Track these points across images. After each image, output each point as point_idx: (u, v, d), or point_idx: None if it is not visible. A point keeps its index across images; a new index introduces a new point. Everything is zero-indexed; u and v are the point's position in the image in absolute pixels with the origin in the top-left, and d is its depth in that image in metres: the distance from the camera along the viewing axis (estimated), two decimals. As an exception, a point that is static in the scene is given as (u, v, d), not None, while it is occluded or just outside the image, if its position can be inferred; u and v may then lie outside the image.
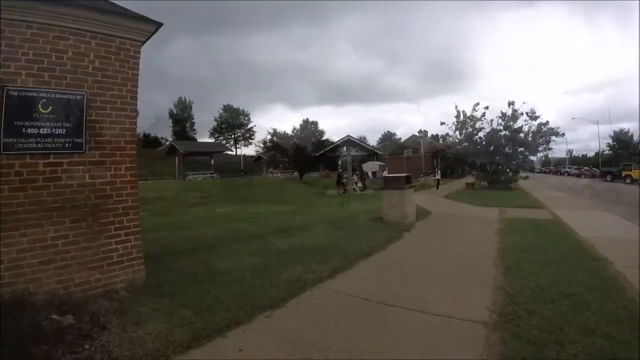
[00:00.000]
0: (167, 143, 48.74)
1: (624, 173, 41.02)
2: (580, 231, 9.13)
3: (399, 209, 10.40)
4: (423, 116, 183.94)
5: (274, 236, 8.93)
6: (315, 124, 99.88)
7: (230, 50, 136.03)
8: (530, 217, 12.17)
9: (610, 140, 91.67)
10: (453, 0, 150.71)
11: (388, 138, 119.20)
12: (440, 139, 78.38)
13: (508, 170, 27.05)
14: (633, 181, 38.88)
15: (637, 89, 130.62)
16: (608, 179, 43.76)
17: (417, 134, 60.22)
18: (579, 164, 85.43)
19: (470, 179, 33.31)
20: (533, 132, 26.16)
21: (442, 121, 28.64)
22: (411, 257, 6.90)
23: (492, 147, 27.04)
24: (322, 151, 27.92)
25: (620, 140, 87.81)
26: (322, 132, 57.91)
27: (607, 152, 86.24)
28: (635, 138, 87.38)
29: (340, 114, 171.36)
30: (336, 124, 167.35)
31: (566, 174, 67.47)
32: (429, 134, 52.08)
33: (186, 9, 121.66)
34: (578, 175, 60.73)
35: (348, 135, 25.79)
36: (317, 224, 10.66)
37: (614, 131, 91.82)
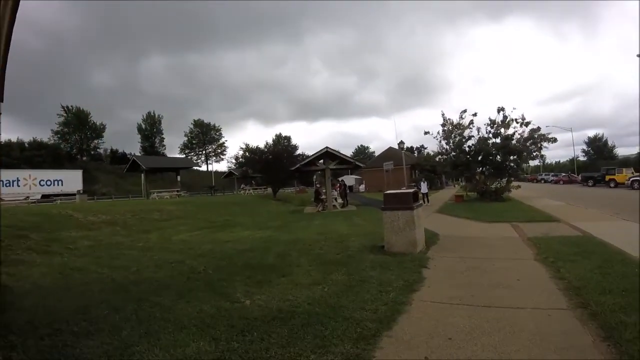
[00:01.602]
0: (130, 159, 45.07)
1: (607, 177, 41.20)
2: (631, 251, 7.48)
3: (407, 234, 7.90)
4: (396, 130, 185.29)
5: (240, 283, 6.29)
6: (288, 138, 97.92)
7: (204, 68, 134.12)
8: (556, 234, 10.23)
9: (584, 147, 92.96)
10: (424, 17, 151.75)
11: (362, 152, 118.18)
12: (417, 151, 77.29)
13: (499, 180, 25.02)
14: (617, 185, 38.57)
15: (602, 98, 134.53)
16: (590, 184, 44.06)
17: (397, 146, 58.57)
18: (553, 171, 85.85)
19: (455, 190, 31.37)
20: (525, 139, 24.26)
21: (426, 130, 26.45)
22: (459, 321, 4.34)
23: (480, 156, 25.07)
24: (298, 165, 25.21)
25: (595, 145, 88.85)
26: (295, 147, 55.37)
27: (580, 158, 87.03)
28: (610, 143, 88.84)
29: (313, 130, 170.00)
30: (309, 139, 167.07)
31: (543, 181, 67.27)
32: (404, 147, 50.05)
33: (160, 26, 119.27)
34: (556, 182, 60.64)
35: (327, 147, 23.07)
36: (300, 258, 8.06)
37: (588, 137, 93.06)
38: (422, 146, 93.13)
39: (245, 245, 10.53)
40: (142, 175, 41.00)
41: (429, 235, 9.76)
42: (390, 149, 58.94)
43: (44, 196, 41.41)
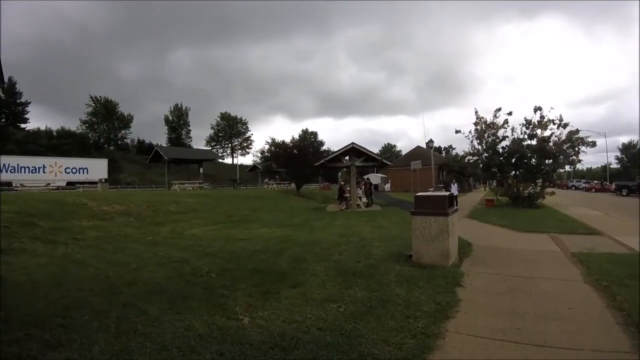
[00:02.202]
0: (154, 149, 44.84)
1: None
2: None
3: (439, 244, 6.91)
4: (424, 128, 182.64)
5: (243, 292, 5.49)
6: (314, 134, 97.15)
7: (231, 61, 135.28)
8: (601, 250, 9.12)
9: (617, 153, 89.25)
10: (454, 13, 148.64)
11: (388, 150, 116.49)
12: (445, 151, 75.48)
13: (533, 184, 23.57)
14: None
15: (636, 102, 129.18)
16: (624, 193, 42.10)
17: (425, 146, 57.13)
18: (584, 178, 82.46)
19: (485, 194, 30.00)
20: (562, 142, 22.70)
21: (457, 129, 24.98)
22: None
23: (514, 159, 23.67)
24: (322, 160, 24.21)
25: (629, 153, 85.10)
26: (321, 142, 54.65)
27: (613, 165, 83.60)
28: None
29: (339, 126, 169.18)
30: (335, 135, 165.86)
31: (573, 188, 64.50)
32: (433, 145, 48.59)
33: (187, 19, 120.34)
34: (588, 190, 58.21)
35: (352, 143, 22.05)
36: (316, 265, 7.20)
37: (622, 143, 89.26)
38: (450, 146, 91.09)
39: (258, 245, 9.72)
40: (166, 165, 40.61)
41: (461, 244, 8.74)
42: (418, 147, 57.52)
43: (69, 183, 41.79)
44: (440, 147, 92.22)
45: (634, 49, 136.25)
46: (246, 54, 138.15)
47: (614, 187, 48.42)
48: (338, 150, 23.28)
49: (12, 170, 39.18)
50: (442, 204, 6.97)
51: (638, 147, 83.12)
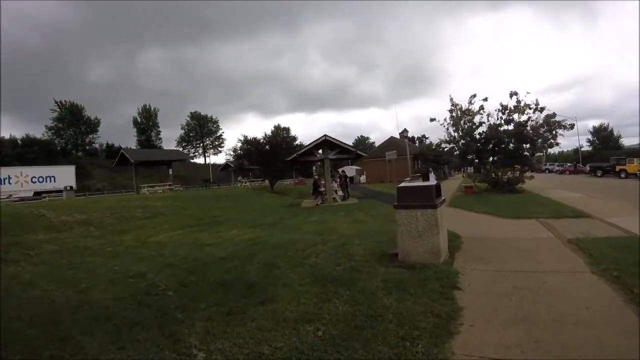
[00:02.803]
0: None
1: (618, 168, 39.86)
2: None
3: (428, 240, 6.07)
4: (397, 119, 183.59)
5: (202, 314, 4.56)
6: (287, 129, 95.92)
7: (201, 61, 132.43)
8: (598, 234, 8.55)
9: (589, 136, 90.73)
10: (423, 7, 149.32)
11: (362, 142, 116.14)
12: (419, 141, 75.36)
13: (512, 169, 23.10)
14: (627, 175, 37.17)
15: (602, 88, 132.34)
16: (599, 174, 42.84)
17: (398, 136, 56.72)
18: (557, 161, 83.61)
19: (461, 181, 29.54)
20: (539, 125, 22.28)
21: (432, 117, 24.27)
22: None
23: (490, 144, 23.15)
24: (294, 155, 23.15)
25: (600, 135, 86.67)
26: (294, 138, 53.59)
27: (585, 147, 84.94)
28: (616, 133, 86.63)
29: (312, 121, 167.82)
30: (308, 130, 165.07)
31: (547, 171, 65.16)
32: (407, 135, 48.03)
33: (156, 19, 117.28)
34: (562, 172, 59.00)
35: (325, 135, 21.05)
36: (289, 272, 6.28)
37: (593, 127, 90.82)
38: (423, 136, 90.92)
39: (226, 250, 8.73)
40: (133, 169, 38.73)
41: (448, 237, 7.93)
42: (392, 138, 57.09)
43: (36, 193, 40.26)
44: (413, 137, 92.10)
45: (598, 36, 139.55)
46: (216, 53, 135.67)
47: (588, 169, 48.98)
48: (310, 144, 22.17)
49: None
50: (429, 195, 6.10)
51: (609, 129, 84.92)
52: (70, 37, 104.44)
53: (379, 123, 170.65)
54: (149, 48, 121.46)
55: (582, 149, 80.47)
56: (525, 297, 4.74)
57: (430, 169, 28.14)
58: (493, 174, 23.02)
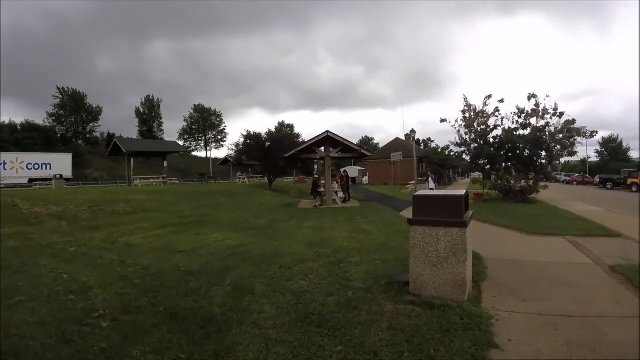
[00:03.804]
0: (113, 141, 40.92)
1: (630, 181, 38.11)
2: None
3: (452, 268, 4.52)
4: (403, 121, 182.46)
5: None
6: (291, 126, 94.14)
7: (208, 54, 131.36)
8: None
9: (597, 147, 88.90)
10: (434, 9, 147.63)
11: (366, 143, 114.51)
12: (424, 144, 73.66)
13: (526, 178, 21.51)
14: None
15: (611, 100, 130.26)
16: (609, 186, 41.56)
17: (404, 138, 55.16)
18: (563, 171, 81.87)
19: (467, 186, 27.92)
20: (556, 132, 20.67)
21: (443, 118, 22.63)
22: None
23: (504, 150, 21.57)
24: (293, 151, 21.48)
25: (609, 147, 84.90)
26: (297, 135, 51.96)
27: (592, 159, 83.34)
28: (625, 145, 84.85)
29: (317, 120, 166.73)
30: (313, 129, 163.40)
31: (553, 181, 63.17)
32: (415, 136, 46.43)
33: (165, 10, 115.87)
34: (569, 182, 57.31)
35: (327, 131, 19.40)
36: (264, 301, 4.78)
37: (602, 137, 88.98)
38: (429, 139, 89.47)
39: (198, 261, 7.20)
40: (126, 159, 36.84)
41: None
42: (397, 139, 55.53)
43: (30, 180, 39.07)
44: (419, 140, 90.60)
45: (610, 47, 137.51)
46: (225, 47, 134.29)
47: (597, 180, 47.32)
48: (311, 140, 20.44)
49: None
50: (458, 208, 4.54)
51: (619, 141, 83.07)
52: (80, 27, 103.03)
53: (384, 125, 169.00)
54: (156, 39, 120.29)
55: (589, 160, 78.81)
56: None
57: (429, 172, 26.27)
58: (505, 182, 21.44)
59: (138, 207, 16.18)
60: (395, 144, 51.12)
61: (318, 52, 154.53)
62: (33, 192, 20.04)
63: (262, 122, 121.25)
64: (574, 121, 20.76)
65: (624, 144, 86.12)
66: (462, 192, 4.81)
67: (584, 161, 78.09)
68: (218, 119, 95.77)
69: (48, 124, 68.03)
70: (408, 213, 16.03)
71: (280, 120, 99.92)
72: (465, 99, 21.97)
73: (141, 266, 6.96)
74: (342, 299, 4.77)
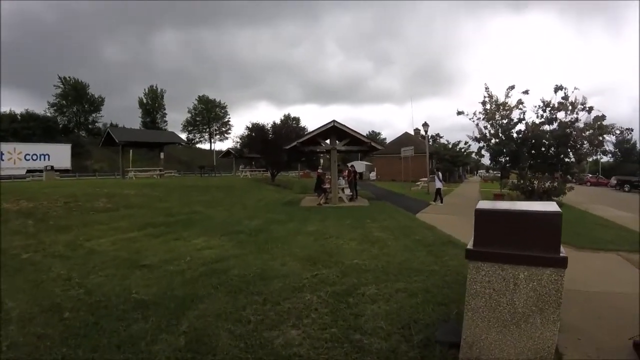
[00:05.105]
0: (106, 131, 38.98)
1: None
2: None
3: (534, 331, 2.71)
4: (412, 115, 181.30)
5: None
6: (297, 119, 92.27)
7: (216, 45, 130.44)
8: None
9: (610, 147, 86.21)
10: (444, 4, 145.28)
11: (373, 138, 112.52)
12: (433, 139, 71.53)
13: (550, 178, 19.51)
14: None
15: (621, 99, 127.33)
16: (626, 188, 40.81)
17: (414, 131, 53.30)
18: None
19: (480, 185, 26.08)
20: (584, 128, 18.65)
21: (460, 110, 20.63)
22: None
23: (526, 147, 19.56)
24: (294, 142, 19.45)
25: (623, 147, 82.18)
26: (303, 128, 50.10)
27: (605, 159, 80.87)
28: (639, 145, 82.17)
29: (324, 113, 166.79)
30: (320, 122, 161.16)
31: (577, 182, 61.34)
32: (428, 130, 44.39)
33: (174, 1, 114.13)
34: (582, 183, 55.24)
35: (334, 121, 17.44)
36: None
37: (616, 138, 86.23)
38: (437, 134, 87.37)
39: (157, 285, 5.40)
40: (120, 150, 34.82)
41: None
42: (406, 134, 53.68)
43: (29, 171, 38.01)
44: (428, 136, 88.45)
45: (621, 47, 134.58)
46: (233, 38, 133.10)
47: (614, 181, 45.46)
48: (315, 130, 18.36)
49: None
50: (552, 234, 2.71)
51: (632, 142, 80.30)
52: (86, 15, 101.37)
53: (391, 120, 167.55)
54: (164, 29, 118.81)
55: (602, 161, 76.44)
56: None
57: (435, 169, 24.02)
58: (528, 182, 19.48)
59: (120, 203, 14.44)
60: (405, 139, 49.27)
61: (327, 45, 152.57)
62: (11, 185, 18.35)
63: (269, 115, 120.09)
64: (603, 117, 18.69)
65: (638, 145, 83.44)
66: (553, 205, 3.00)
67: (596, 162, 75.71)
68: (222, 111, 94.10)
69: (49, 114, 66.52)
70: (425, 216, 14.22)
71: (287, 113, 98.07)
72: (487, 88, 19.96)
73: (85, 289, 5.27)
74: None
